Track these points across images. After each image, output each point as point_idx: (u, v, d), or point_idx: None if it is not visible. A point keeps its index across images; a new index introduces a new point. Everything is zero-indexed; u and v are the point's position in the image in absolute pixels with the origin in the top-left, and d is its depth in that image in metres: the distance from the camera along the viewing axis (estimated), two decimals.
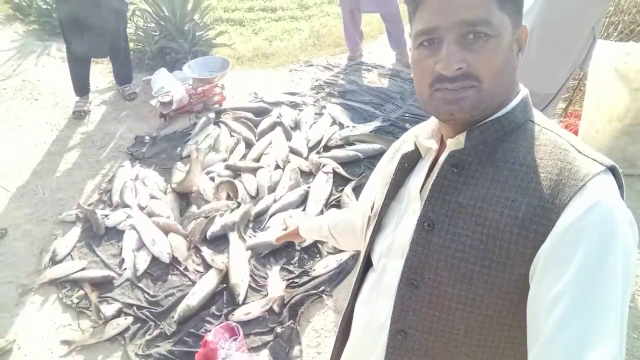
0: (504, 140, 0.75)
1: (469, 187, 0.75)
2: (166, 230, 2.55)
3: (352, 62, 4.38)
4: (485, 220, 0.72)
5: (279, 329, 2.08)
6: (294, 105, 3.69)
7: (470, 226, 0.73)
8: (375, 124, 3.42)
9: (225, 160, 3.12)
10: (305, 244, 2.49)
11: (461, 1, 0.69)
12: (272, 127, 3.42)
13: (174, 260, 2.44)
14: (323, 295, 2.27)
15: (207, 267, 2.40)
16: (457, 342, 0.77)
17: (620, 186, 0.71)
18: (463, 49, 0.70)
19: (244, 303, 2.22)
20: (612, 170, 0.71)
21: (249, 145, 3.27)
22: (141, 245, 2.49)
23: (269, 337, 2.09)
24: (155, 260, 2.44)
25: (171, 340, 2.07)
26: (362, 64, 4.36)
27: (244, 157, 3.16)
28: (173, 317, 2.15)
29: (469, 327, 0.75)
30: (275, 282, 2.30)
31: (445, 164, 0.78)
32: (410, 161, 0.89)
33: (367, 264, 0.95)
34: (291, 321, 2.12)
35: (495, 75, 0.72)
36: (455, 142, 0.78)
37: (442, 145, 0.84)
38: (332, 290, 2.31)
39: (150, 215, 2.67)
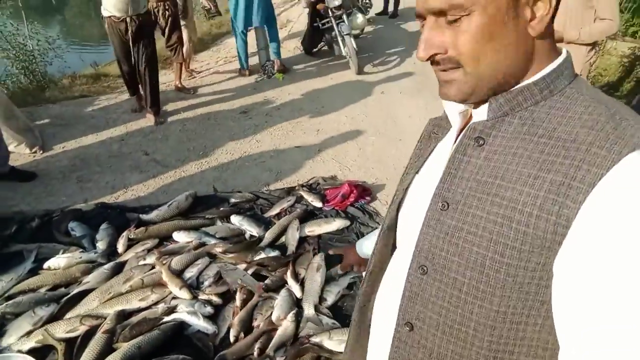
0: (534, 110, 0.65)
1: (489, 163, 0.66)
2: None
3: None
4: (503, 200, 0.62)
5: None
6: None
7: (485, 206, 0.64)
8: None
9: None
10: None
11: None
12: None
13: None
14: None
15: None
16: (465, 342, 0.69)
17: None
18: (442, 32, 0.64)
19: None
20: None
21: None
22: None
23: None
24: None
25: None
26: None
27: None
28: None
29: (479, 325, 0.67)
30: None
31: (464, 138, 0.70)
32: (438, 129, 0.81)
33: (387, 241, 0.88)
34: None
35: (476, 58, 0.63)
36: (479, 113, 0.70)
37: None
38: None
39: None
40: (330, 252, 1.56)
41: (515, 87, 0.67)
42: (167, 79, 5.52)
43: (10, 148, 3.71)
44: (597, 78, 5.26)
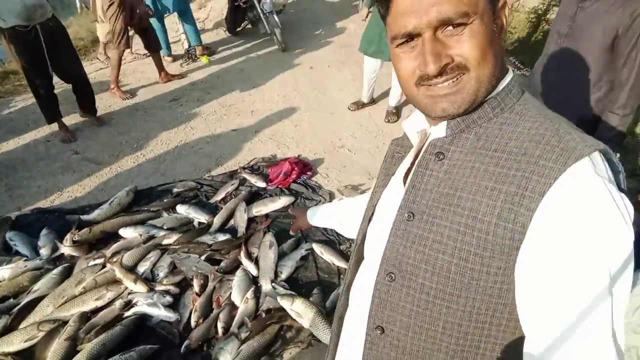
0: (488, 127, 0.72)
1: (450, 177, 0.72)
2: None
3: None
4: (464, 210, 0.68)
5: None
6: None
7: (449, 216, 0.70)
8: None
9: None
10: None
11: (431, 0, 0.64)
12: None
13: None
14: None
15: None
16: (435, 339, 0.74)
17: (616, 171, 0.67)
18: (444, 43, 0.67)
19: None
20: (605, 153, 0.66)
21: None
22: None
23: None
24: None
25: None
26: None
27: None
28: None
29: (447, 324, 0.72)
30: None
31: (426, 153, 0.76)
32: (400, 148, 0.87)
33: (361, 255, 0.92)
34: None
35: (481, 61, 0.67)
36: (437, 130, 0.76)
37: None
38: None
39: None
40: (289, 210, 1.76)
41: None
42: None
43: None
44: (507, 36, 5.63)
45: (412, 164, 0.81)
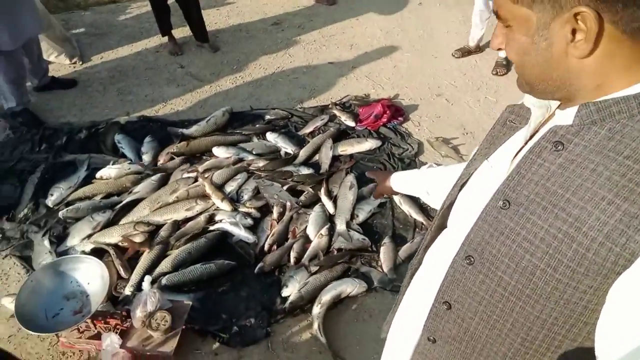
0: (627, 125, 0.60)
1: (563, 172, 0.63)
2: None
3: None
4: (568, 217, 0.60)
5: None
6: None
7: (549, 217, 0.62)
8: None
9: None
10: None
11: None
12: None
13: None
14: None
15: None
16: (501, 332, 0.71)
17: None
18: (502, 32, 0.68)
19: None
20: None
21: None
22: None
23: None
24: None
25: None
26: None
27: None
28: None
29: (517, 323, 0.69)
30: None
31: (542, 139, 0.67)
32: (516, 117, 0.79)
33: (444, 220, 0.89)
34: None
35: (518, 65, 0.68)
36: (564, 116, 0.67)
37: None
38: None
39: None
40: (367, 174, 1.66)
41: (612, 95, 0.61)
42: None
43: (51, 58, 3.81)
44: None
45: (526, 142, 0.73)
